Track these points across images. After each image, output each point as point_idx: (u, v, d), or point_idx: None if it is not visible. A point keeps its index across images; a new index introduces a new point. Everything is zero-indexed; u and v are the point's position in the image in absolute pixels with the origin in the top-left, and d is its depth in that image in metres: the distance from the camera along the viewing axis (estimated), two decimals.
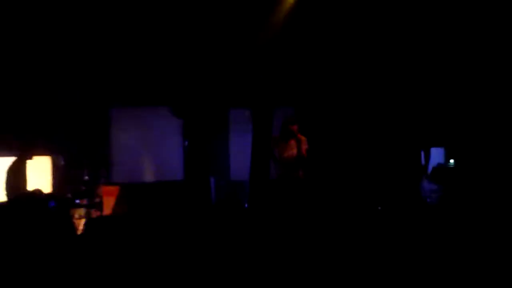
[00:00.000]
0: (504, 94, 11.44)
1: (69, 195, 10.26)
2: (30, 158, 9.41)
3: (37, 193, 9.43)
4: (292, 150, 9.42)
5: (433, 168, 11.28)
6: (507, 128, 11.36)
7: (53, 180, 10.53)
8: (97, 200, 10.47)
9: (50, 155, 10.52)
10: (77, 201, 10.28)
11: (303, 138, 9.45)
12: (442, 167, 11.66)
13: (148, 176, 12.04)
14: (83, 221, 9.83)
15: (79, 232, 9.21)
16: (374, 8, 11.32)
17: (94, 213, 10.29)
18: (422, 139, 10.36)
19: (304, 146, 9.41)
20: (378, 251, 7.25)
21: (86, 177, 10.69)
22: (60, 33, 10.85)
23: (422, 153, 10.34)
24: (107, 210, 10.32)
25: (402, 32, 11.59)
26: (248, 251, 7.19)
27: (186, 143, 11.89)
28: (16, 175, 9.12)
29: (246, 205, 11.04)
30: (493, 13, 11.08)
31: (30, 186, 9.35)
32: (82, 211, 10.16)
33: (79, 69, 11.35)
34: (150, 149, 12.19)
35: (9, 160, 9.25)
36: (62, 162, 10.55)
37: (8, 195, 8.94)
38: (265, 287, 5.90)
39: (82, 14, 10.73)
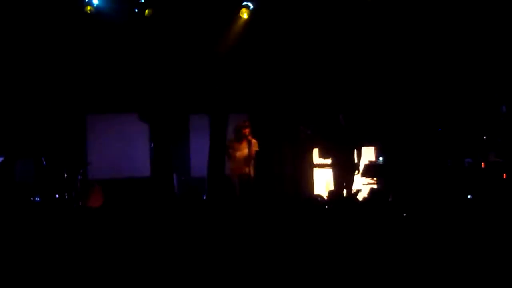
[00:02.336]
0: (425, 102, 12.15)
1: (51, 191, 10.72)
2: (16, 159, 10.45)
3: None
4: (244, 150, 10.25)
5: (365, 165, 11.46)
6: (427, 132, 12.13)
7: (36, 178, 11.19)
8: (76, 195, 10.95)
9: (33, 157, 11.19)
10: (57, 196, 10.76)
11: (253, 140, 10.28)
12: (373, 164, 11.86)
13: (120, 173, 12.28)
14: (63, 213, 9.79)
15: (60, 222, 10.23)
16: (317, 23, 11.97)
17: (73, 206, 10.61)
18: (355, 139, 10.77)
19: (254, 148, 10.24)
20: (318, 237, 7.20)
21: (65, 175, 11.02)
22: (47, 53, 11.53)
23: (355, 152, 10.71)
24: (85, 203, 10.83)
25: (334, 44, 12.31)
26: (206, 235, 7.14)
27: (152, 144, 12.09)
28: (4, 173, 10.16)
29: (204, 197, 11.15)
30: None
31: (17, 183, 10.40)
32: (62, 205, 10.51)
33: (59, 81, 11.78)
34: (121, 149, 12.50)
35: None
36: (44, 162, 11.07)
37: None
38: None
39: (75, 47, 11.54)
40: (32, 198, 10.38)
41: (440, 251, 6.18)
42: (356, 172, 10.86)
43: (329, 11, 11.84)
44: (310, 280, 5.52)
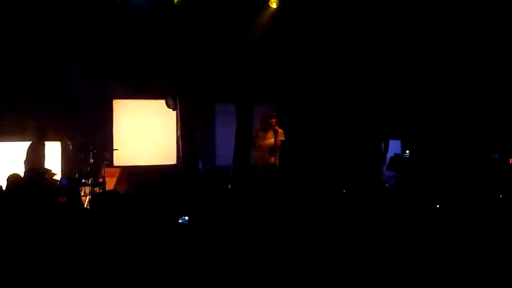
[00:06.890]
0: (452, 95, 12.09)
1: (77, 175, 10.74)
2: (45, 141, 10.46)
3: (49, 172, 10.57)
4: (269, 140, 10.23)
5: (391, 158, 11.56)
6: (453, 126, 12.06)
7: (63, 162, 11.37)
8: (101, 180, 10.94)
9: (60, 141, 11.27)
10: (83, 180, 10.76)
11: (280, 130, 10.23)
12: (399, 157, 11.93)
13: (145, 160, 12.31)
14: (88, 197, 10.56)
15: (85, 206, 9.99)
16: (342, 17, 12.12)
17: (98, 191, 10.65)
18: (382, 132, 10.81)
19: (280, 138, 10.19)
20: (343, 228, 7.30)
21: (91, 160, 11.04)
22: (75, 39, 11.59)
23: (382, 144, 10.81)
24: (109, 188, 10.81)
25: (362, 37, 12.41)
26: (230, 224, 7.34)
27: (178, 132, 12.19)
28: (35, 154, 10.24)
29: (228, 186, 11.42)
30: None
31: (45, 166, 10.33)
32: (87, 189, 10.74)
33: (87, 66, 11.69)
34: (147, 136, 12.50)
35: (28, 144, 10.36)
36: (71, 147, 11.11)
37: (27, 171, 9.81)
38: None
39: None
40: (59, 182, 10.44)
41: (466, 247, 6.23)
42: (383, 163, 10.96)
43: (356, 5, 11.95)
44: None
